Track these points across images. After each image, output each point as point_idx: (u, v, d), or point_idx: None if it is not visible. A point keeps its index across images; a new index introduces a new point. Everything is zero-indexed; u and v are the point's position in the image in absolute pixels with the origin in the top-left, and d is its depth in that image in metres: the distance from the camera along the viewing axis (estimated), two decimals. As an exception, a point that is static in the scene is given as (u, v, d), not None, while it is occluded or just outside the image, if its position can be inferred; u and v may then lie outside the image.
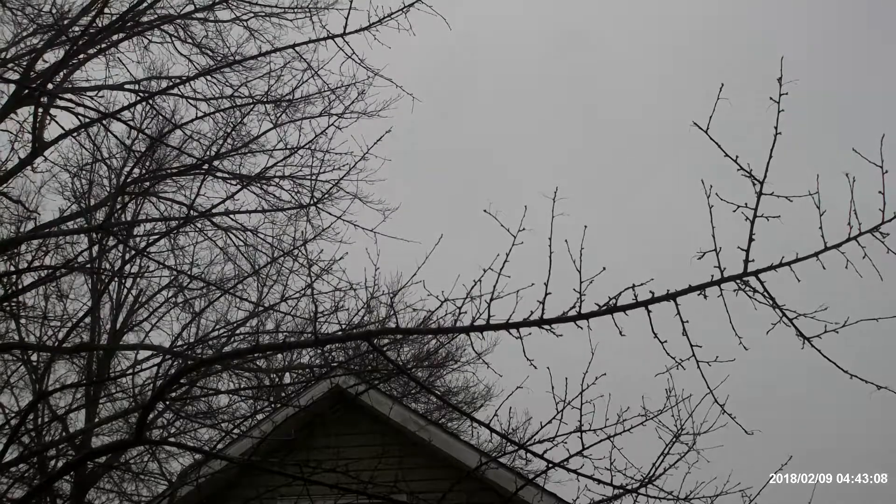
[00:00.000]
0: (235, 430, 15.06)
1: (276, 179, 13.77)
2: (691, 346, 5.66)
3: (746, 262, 5.59)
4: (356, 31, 11.31)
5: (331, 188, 13.02)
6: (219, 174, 13.83)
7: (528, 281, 5.85)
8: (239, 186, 13.49)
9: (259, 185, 13.70)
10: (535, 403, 7.01)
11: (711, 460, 7.27)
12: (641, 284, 5.67)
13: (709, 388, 5.93)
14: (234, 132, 13.53)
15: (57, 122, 11.75)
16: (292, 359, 17.91)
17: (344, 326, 11.81)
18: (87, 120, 12.68)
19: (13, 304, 13.11)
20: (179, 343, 15.88)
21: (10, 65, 12.69)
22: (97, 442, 18.58)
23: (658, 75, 42.28)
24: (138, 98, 13.50)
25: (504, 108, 44.99)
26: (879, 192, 5.40)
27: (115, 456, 16.24)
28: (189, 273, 14.68)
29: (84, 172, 16.08)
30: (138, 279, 16.77)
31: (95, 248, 13.85)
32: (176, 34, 13.80)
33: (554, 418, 6.46)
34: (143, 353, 15.97)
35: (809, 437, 32.60)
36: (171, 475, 17.57)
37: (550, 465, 6.70)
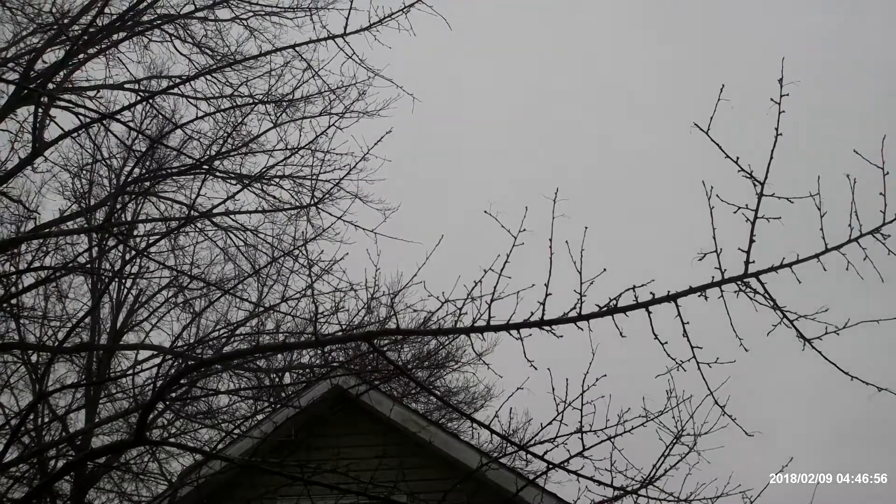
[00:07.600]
0: (236, 431, 15.04)
1: (277, 179, 13.79)
2: (692, 347, 5.66)
3: (747, 263, 5.58)
4: (356, 32, 11.36)
5: (331, 188, 13.03)
6: (219, 174, 13.84)
7: (529, 282, 5.84)
8: (239, 186, 13.50)
9: (259, 185, 13.71)
10: (535, 404, 7.01)
11: (712, 461, 7.26)
12: (642, 285, 5.67)
13: (709, 389, 5.93)
14: (234, 132, 13.53)
15: (56, 122, 11.74)
16: (292, 359, 17.89)
17: (344, 327, 11.82)
18: (87, 120, 12.68)
19: (13, 304, 13.10)
20: (179, 343, 15.87)
21: (10, 65, 12.69)
22: (97, 442, 18.58)
23: (658, 74, 42.25)
24: (138, 98, 13.52)
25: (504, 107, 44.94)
26: (880, 193, 5.40)
27: (115, 456, 16.22)
28: (189, 273, 14.68)
29: (84, 172, 16.06)
30: (138, 279, 16.75)
31: (95, 249, 13.84)
32: (176, 34, 13.84)
33: (554, 419, 6.46)
34: (143, 354, 15.97)
35: (809, 437, 32.61)
36: (171, 475, 17.56)
37: (551, 466, 6.69)
